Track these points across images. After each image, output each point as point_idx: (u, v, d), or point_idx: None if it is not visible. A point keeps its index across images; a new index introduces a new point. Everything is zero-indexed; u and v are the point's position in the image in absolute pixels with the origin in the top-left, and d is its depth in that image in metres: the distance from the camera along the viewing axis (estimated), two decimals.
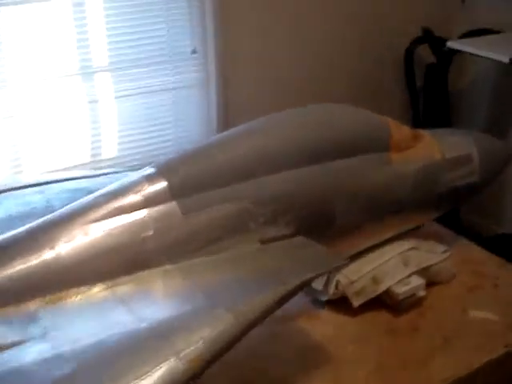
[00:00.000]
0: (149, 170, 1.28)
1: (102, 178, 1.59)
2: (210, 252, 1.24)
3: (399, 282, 1.53)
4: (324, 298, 1.55)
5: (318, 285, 1.57)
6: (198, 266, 1.21)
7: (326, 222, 1.40)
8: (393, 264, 1.54)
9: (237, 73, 2.55)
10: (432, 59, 2.86)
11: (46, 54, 2.20)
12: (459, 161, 1.65)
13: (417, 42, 2.83)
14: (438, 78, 2.84)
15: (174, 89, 2.46)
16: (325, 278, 1.55)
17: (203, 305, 1.09)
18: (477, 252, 1.84)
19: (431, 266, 1.61)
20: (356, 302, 1.52)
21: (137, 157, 2.48)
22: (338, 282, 1.51)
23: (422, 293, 1.58)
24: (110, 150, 2.44)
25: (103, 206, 1.21)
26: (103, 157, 2.42)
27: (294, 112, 1.48)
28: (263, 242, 1.30)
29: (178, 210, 1.23)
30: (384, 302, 1.54)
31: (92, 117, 2.36)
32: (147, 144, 2.50)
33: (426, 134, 1.66)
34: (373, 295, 1.52)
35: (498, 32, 2.71)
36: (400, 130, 1.55)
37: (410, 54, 2.88)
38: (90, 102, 2.34)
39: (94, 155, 2.40)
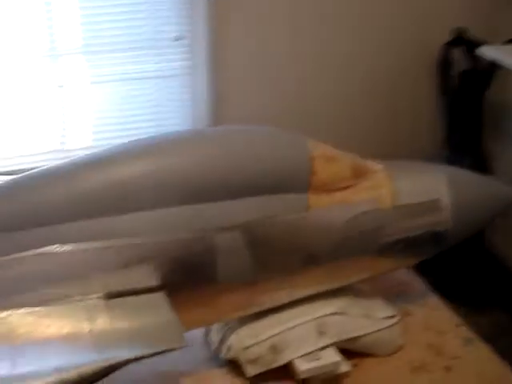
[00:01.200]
0: None
1: None
2: (31, 303, 1.01)
3: (307, 354, 1.24)
4: (223, 357, 1.29)
5: (215, 338, 1.31)
6: (12, 320, 0.99)
7: (204, 276, 1.13)
8: (302, 331, 1.25)
9: (229, 61, 2.25)
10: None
11: (13, 33, 2.02)
12: (418, 208, 1.32)
13: (450, 44, 2.41)
14: (472, 87, 2.41)
15: (155, 77, 2.21)
16: (221, 334, 1.29)
17: None
18: (446, 317, 1.50)
19: (361, 336, 1.30)
20: (251, 371, 1.25)
21: None
22: (230, 345, 1.24)
23: (343, 368, 1.28)
24: (83, 139, 2.24)
25: None
26: (74, 146, 2.23)
27: (184, 136, 1.20)
28: (110, 295, 1.05)
29: None
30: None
31: (63, 103, 2.17)
32: (125, 136, 2.27)
33: (379, 170, 1.33)
34: (272, 366, 1.25)
35: None
36: (332, 166, 1.23)
37: (444, 57, 2.46)
38: (61, 87, 2.14)
39: (63, 143, 2.22)
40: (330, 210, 1.22)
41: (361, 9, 2.37)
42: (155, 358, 1.29)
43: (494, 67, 2.40)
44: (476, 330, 1.45)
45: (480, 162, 2.45)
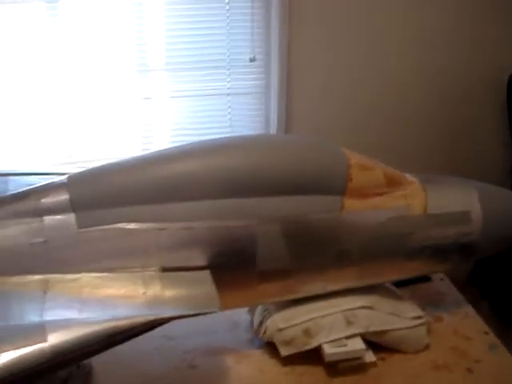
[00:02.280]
0: (62, 180, 1.29)
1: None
2: (100, 269, 1.22)
3: (334, 341, 1.38)
4: (260, 338, 1.46)
5: (256, 321, 1.48)
6: (83, 281, 1.20)
7: (245, 261, 1.30)
8: (332, 320, 1.39)
9: (301, 82, 2.44)
10: None
11: (108, 52, 2.32)
12: (449, 218, 1.44)
13: None
14: None
15: (230, 94, 2.44)
16: (260, 317, 1.46)
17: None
18: (475, 325, 1.58)
19: (388, 331, 1.42)
20: (284, 352, 1.40)
21: None
22: (266, 327, 1.41)
23: (368, 358, 1.41)
24: (162, 146, 2.49)
25: (4, 206, 1.24)
26: None
27: (235, 139, 1.38)
28: (165, 269, 1.25)
29: (75, 223, 1.22)
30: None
31: (148, 113, 2.44)
32: None
33: (414, 182, 1.47)
34: (304, 348, 1.40)
35: None
36: (367, 174, 1.37)
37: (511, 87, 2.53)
38: (147, 99, 2.41)
39: (145, 150, 2.48)
40: (363, 213, 1.36)
41: (430, 45, 2.50)
42: (206, 336, 1.52)
43: None
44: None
45: None
